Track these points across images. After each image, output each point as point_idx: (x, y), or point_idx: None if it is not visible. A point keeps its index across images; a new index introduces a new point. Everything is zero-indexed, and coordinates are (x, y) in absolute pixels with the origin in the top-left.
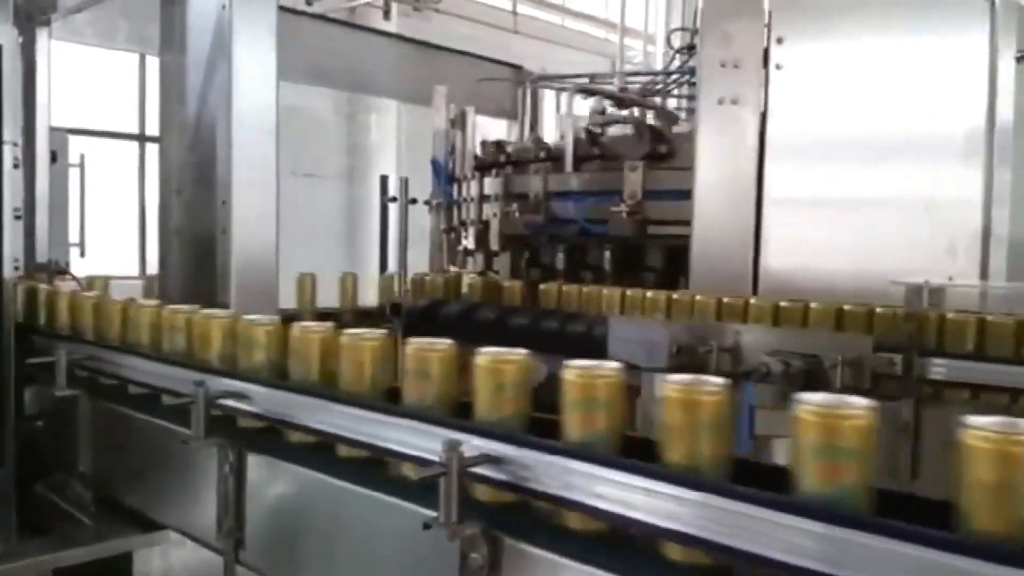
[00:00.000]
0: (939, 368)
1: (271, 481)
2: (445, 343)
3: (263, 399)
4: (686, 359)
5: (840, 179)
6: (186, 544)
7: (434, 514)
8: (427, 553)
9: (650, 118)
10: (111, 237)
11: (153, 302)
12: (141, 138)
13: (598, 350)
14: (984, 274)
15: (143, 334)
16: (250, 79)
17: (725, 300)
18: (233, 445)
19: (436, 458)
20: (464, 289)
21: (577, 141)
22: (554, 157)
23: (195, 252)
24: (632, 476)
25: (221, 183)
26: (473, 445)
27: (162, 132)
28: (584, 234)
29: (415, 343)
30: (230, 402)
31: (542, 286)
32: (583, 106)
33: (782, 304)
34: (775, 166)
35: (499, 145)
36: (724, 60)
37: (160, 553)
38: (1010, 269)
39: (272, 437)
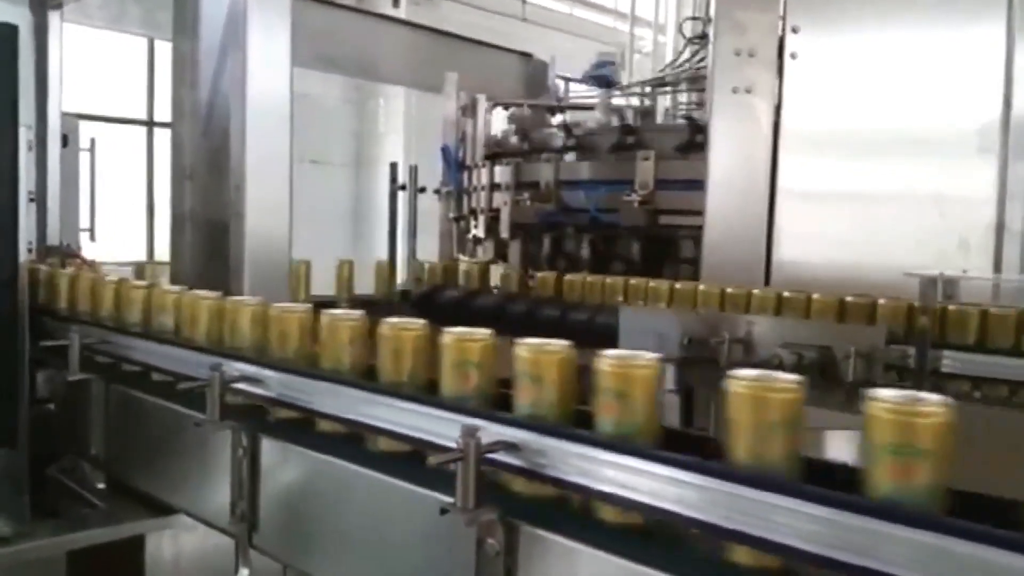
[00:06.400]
0: (952, 361)
1: (285, 466)
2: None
3: (277, 384)
4: (697, 350)
5: (854, 171)
6: (198, 528)
7: (451, 500)
8: (443, 539)
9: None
10: (120, 222)
11: (177, 288)
12: (150, 124)
13: (608, 340)
14: (997, 268)
15: (159, 318)
16: (264, 65)
17: (737, 291)
18: (247, 429)
19: (454, 444)
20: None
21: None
22: (584, 147)
23: (207, 238)
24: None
25: (234, 169)
26: (492, 432)
27: (174, 117)
28: (595, 223)
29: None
30: (245, 386)
31: (568, 276)
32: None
33: (795, 296)
34: (789, 157)
35: (523, 133)
36: (739, 49)
37: (172, 537)
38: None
39: (287, 421)
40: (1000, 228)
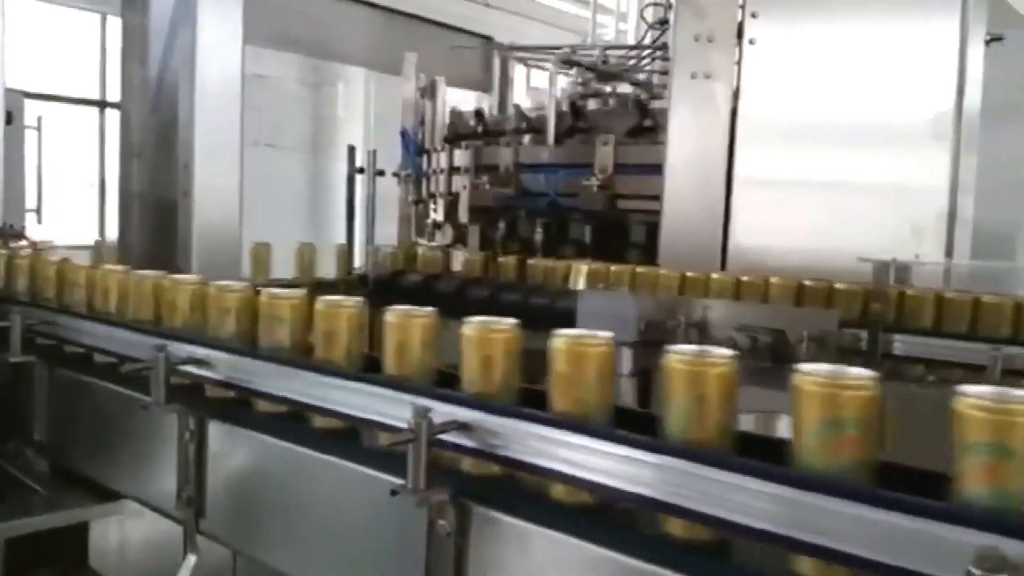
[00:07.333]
0: (903, 344)
1: (233, 449)
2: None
3: (225, 365)
4: (654, 333)
5: (810, 158)
6: (145, 514)
7: (401, 481)
8: (393, 521)
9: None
10: (71, 205)
11: (119, 267)
12: (102, 104)
13: (566, 323)
14: (949, 255)
15: (102, 298)
16: (215, 42)
17: (694, 275)
18: (194, 412)
19: (405, 425)
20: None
21: (560, 115)
22: (534, 129)
23: (156, 217)
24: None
25: (183, 146)
26: (442, 412)
27: (123, 94)
28: (554, 207)
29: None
30: (191, 368)
31: (531, 261)
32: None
33: (750, 280)
34: (746, 143)
35: (478, 114)
36: (698, 33)
37: (117, 523)
38: (974, 254)
39: (234, 404)
40: (952, 216)
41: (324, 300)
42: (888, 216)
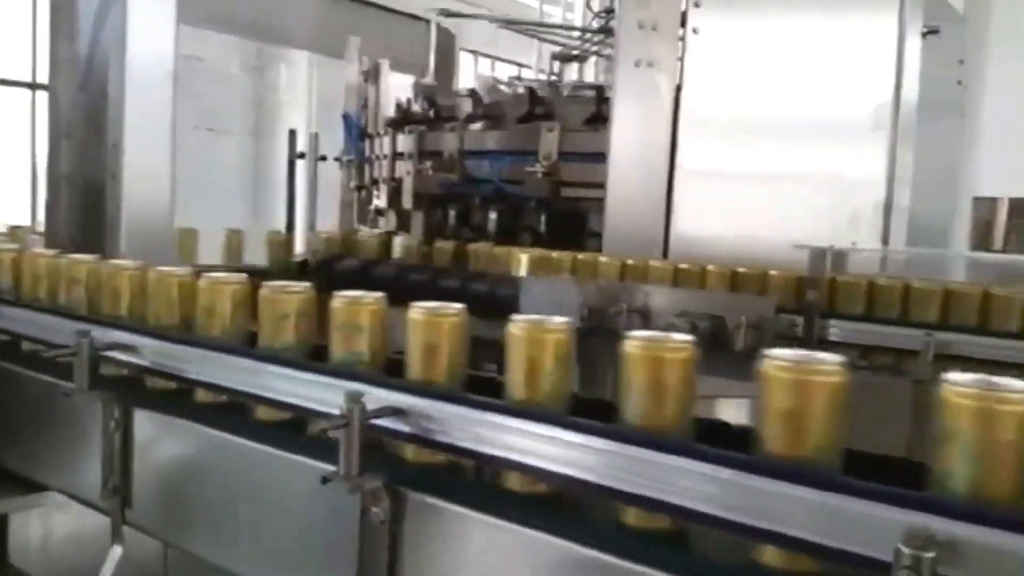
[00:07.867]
0: (839, 330)
1: (160, 437)
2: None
3: (152, 351)
4: (597, 319)
5: (751, 150)
6: (70, 506)
7: (333, 468)
8: (326, 510)
9: None
10: (4, 189)
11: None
12: (33, 86)
13: (510, 309)
14: (885, 243)
15: (19, 282)
16: (147, 18)
17: (636, 263)
18: (119, 399)
19: (336, 410)
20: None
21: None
22: (444, 117)
23: (84, 200)
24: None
25: (112, 125)
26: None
27: (51, 71)
28: (499, 194)
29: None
30: (117, 354)
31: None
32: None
33: (691, 267)
34: (688, 132)
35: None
36: (642, 21)
37: (39, 516)
38: (909, 242)
39: (160, 390)
40: (888, 206)
41: (209, 278)
42: (827, 206)
